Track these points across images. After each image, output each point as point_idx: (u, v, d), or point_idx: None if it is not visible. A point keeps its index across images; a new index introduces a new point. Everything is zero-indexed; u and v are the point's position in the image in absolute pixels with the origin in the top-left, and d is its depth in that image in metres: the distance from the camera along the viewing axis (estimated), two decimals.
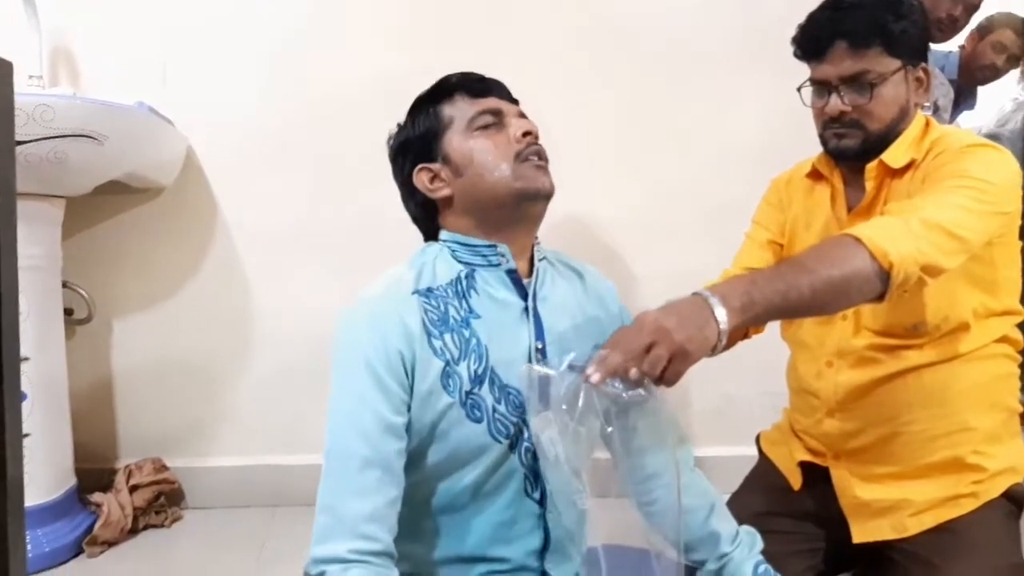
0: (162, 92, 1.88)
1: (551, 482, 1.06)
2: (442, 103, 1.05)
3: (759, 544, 1.18)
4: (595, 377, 0.86)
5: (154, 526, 1.86)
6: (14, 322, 0.59)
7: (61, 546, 1.67)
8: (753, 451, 1.53)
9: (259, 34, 1.94)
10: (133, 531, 1.81)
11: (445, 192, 1.05)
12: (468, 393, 0.99)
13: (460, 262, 1.05)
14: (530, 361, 1.02)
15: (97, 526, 1.73)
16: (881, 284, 0.98)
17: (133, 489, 1.84)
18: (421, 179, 1.06)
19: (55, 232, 1.72)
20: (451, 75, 1.08)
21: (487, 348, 1.00)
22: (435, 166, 1.05)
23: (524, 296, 1.05)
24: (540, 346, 1.02)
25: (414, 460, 0.99)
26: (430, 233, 1.10)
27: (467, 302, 1.02)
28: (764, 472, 1.47)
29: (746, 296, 0.91)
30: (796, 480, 1.39)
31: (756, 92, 2.01)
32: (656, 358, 0.85)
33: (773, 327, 1.44)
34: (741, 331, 1.12)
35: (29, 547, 1.62)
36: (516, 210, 1.03)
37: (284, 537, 1.81)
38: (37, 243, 1.66)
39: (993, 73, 2.13)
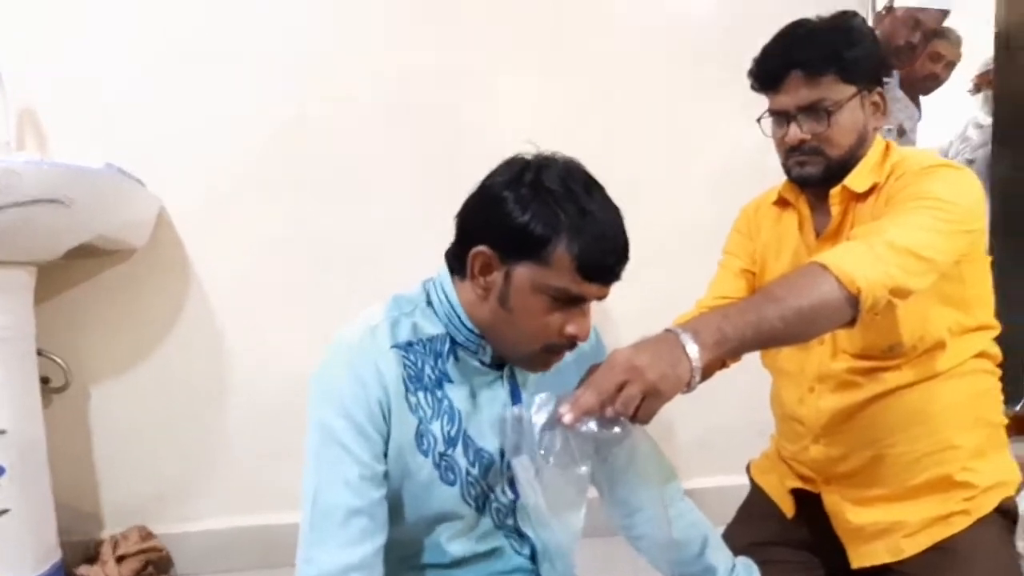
0: (131, 152, 1.86)
1: (536, 525, 1.05)
2: (559, 243, 0.91)
3: (756, 575, 1.17)
4: (567, 417, 0.85)
5: None
6: None
7: None
8: (744, 480, 1.52)
9: (226, 85, 1.95)
10: None
11: (479, 290, 0.97)
12: (442, 455, 0.98)
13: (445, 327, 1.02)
14: (501, 427, 1.01)
15: None
16: (851, 309, 0.98)
17: (120, 560, 1.81)
18: (475, 258, 0.96)
19: (27, 300, 1.69)
20: (594, 232, 0.92)
21: (459, 411, 1.00)
22: (497, 267, 0.95)
23: (501, 367, 1.04)
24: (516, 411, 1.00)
25: (390, 517, 0.97)
26: (449, 265, 1.03)
27: (443, 364, 1.00)
28: (757, 501, 1.46)
29: (718, 332, 0.91)
30: (789, 508, 1.39)
31: (725, 119, 2.04)
32: (628, 397, 0.85)
33: (753, 354, 1.45)
34: (717, 363, 1.12)
35: None
36: (510, 361, 1.03)
37: None
38: (8, 312, 1.63)
39: (935, 82, 2.20)
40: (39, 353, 1.75)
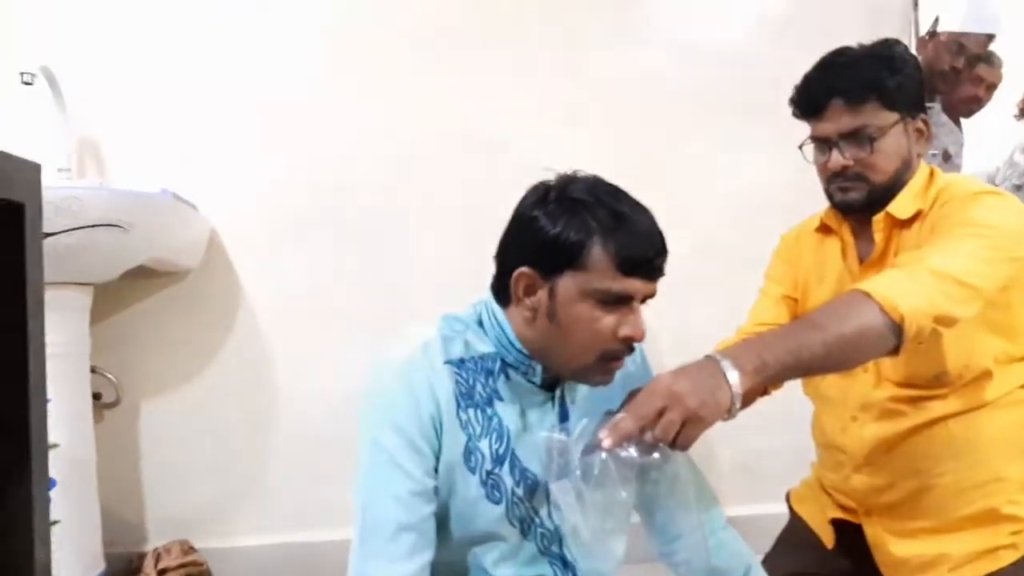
0: (185, 176, 1.94)
1: (575, 550, 1.05)
2: (594, 244, 0.93)
3: None
4: (607, 443, 0.86)
5: None
6: (42, 412, 0.61)
7: None
8: (784, 508, 1.50)
9: (277, 113, 2.02)
10: None
11: (527, 313, 0.98)
12: (489, 473, 0.99)
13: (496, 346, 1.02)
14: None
15: None
16: (895, 337, 0.97)
17: (161, 573, 1.83)
18: (518, 281, 0.97)
19: (83, 319, 1.76)
20: (628, 228, 0.94)
21: (508, 430, 1.00)
22: (540, 285, 0.96)
23: (552, 388, 1.04)
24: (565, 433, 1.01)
25: (437, 536, 0.98)
26: (496, 297, 1.04)
27: (494, 382, 1.01)
28: (796, 531, 1.44)
29: (759, 359, 0.90)
30: (829, 538, 1.36)
31: (759, 145, 2.05)
32: (669, 423, 0.85)
33: (795, 381, 1.44)
34: (759, 389, 1.11)
35: None
36: (576, 379, 1.03)
37: None
38: (65, 330, 1.69)
39: (977, 104, 2.16)
40: (92, 370, 1.81)
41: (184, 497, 1.99)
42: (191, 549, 1.92)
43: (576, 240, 0.92)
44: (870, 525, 1.28)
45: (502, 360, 1.01)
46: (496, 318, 1.01)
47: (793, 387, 1.43)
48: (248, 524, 1.99)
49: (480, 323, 1.03)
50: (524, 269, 0.96)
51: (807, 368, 0.98)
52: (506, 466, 1.00)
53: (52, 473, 1.60)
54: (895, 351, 0.99)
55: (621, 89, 2.13)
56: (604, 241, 0.92)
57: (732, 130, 2.14)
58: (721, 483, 2.04)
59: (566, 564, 1.04)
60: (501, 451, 0.99)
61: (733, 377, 0.87)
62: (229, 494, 2.01)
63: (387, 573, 0.91)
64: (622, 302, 0.94)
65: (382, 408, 0.97)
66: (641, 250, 0.94)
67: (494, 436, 0.99)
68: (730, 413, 0.88)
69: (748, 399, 0.90)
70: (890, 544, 1.25)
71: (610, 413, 0.92)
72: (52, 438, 1.59)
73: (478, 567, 1.01)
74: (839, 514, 1.35)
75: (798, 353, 0.93)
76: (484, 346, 1.02)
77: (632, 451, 0.87)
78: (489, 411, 1.00)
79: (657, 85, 2.14)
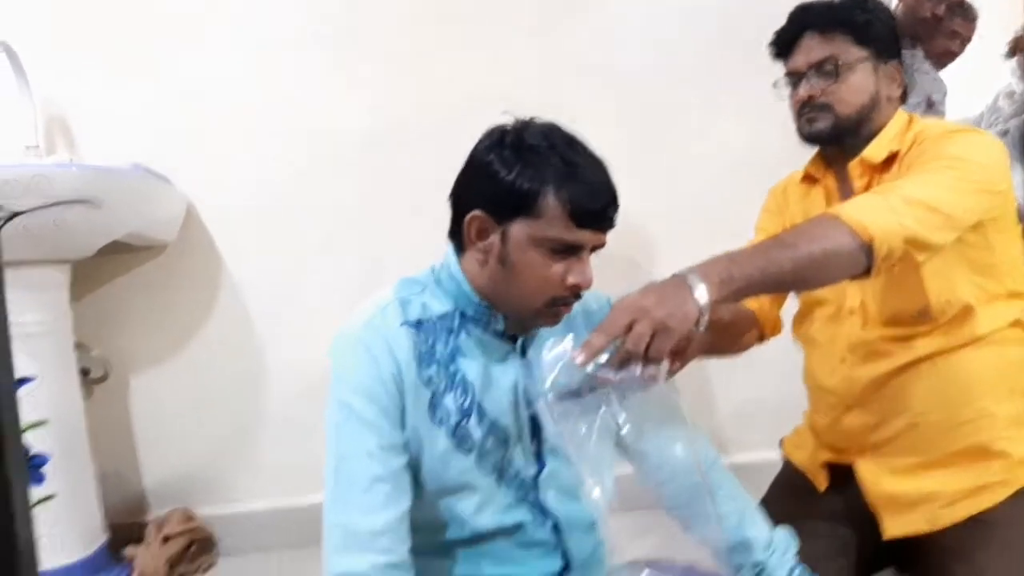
0: (158, 151, 1.89)
1: (553, 495, 1.05)
2: (547, 193, 0.94)
3: (795, 546, 1.16)
4: (580, 359, 0.87)
5: (189, 575, 1.86)
6: (10, 387, 0.59)
7: None
8: (778, 455, 1.50)
9: (250, 84, 1.96)
10: None
11: (479, 255, 1.00)
12: (457, 425, 1.00)
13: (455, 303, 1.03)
14: (515, 397, 1.02)
15: None
16: (866, 258, 0.99)
17: (164, 540, 1.85)
18: (471, 224, 0.99)
19: (62, 296, 1.74)
20: (581, 179, 0.95)
21: (473, 385, 1.01)
22: (492, 229, 0.98)
23: (514, 339, 1.05)
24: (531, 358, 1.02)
25: (412, 493, 0.99)
26: (453, 243, 1.06)
27: (455, 339, 1.02)
28: (789, 476, 1.45)
29: (725, 272, 0.92)
30: (821, 481, 1.37)
31: (742, 104, 2.00)
32: (638, 335, 0.86)
33: (786, 331, 1.44)
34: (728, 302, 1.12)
35: None
36: (523, 322, 1.04)
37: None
38: (44, 308, 1.67)
39: (950, 58, 2.12)
40: (78, 346, 1.80)
41: (181, 466, 2.00)
42: (191, 517, 1.93)
43: (529, 188, 0.94)
44: (863, 464, 1.29)
45: (461, 315, 1.02)
46: (452, 270, 1.03)
47: (786, 336, 1.44)
48: (246, 489, 2.00)
49: (438, 282, 1.04)
50: (477, 212, 0.98)
51: (774, 284, 1.00)
52: (473, 418, 1.01)
53: (44, 448, 1.64)
54: (866, 273, 1.01)
55: (622, 47, 2.07)
56: (557, 191, 0.94)
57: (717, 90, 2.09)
58: (716, 431, 2.05)
59: (545, 511, 1.05)
60: (466, 405, 1.01)
61: (699, 289, 0.89)
62: (225, 461, 2.01)
63: (365, 523, 0.92)
64: (572, 251, 0.96)
65: (345, 371, 0.98)
66: (594, 202, 0.95)
67: (459, 391, 1.01)
68: (698, 324, 0.89)
69: (730, 332, 0.92)
70: (883, 482, 1.26)
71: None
72: (40, 415, 1.61)
73: (456, 520, 1.02)
74: (831, 457, 1.35)
75: (765, 269, 0.95)
76: (442, 305, 1.03)
77: (608, 369, 0.88)
78: (452, 367, 1.01)
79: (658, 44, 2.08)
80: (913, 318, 1.19)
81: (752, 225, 1.47)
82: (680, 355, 0.96)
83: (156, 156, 1.86)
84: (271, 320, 2.00)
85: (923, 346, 1.19)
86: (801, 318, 1.38)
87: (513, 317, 1.02)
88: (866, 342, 1.24)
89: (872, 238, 0.98)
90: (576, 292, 0.98)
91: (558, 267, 0.96)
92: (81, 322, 1.82)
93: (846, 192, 1.28)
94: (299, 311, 1.97)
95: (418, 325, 1.01)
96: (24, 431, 1.60)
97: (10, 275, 0.51)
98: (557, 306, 0.99)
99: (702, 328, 0.90)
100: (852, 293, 1.26)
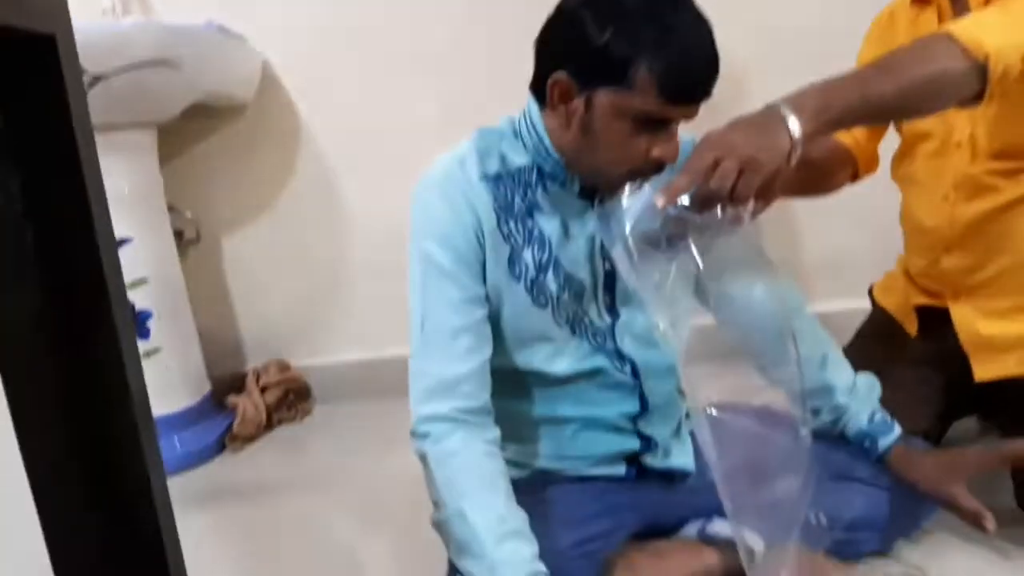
0: (230, 7, 1.87)
1: (631, 342, 1.05)
2: (640, 64, 0.85)
3: (877, 391, 1.15)
4: (660, 201, 0.84)
5: (287, 421, 1.99)
6: (111, 246, 0.61)
7: (206, 445, 1.83)
8: (867, 304, 1.47)
9: None
10: (268, 427, 1.94)
11: (561, 117, 0.94)
12: (534, 281, 1.00)
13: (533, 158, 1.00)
14: (592, 250, 1.01)
15: (235, 425, 1.87)
16: (978, 80, 0.90)
17: (263, 389, 1.97)
18: (554, 87, 0.92)
19: (152, 159, 1.78)
20: (680, 50, 0.86)
21: (550, 240, 1.00)
22: (576, 94, 0.91)
23: (592, 197, 1.01)
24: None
25: (493, 343, 1.01)
26: (534, 95, 0.99)
27: (532, 194, 1.00)
28: (877, 323, 1.42)
29: (822, 101, 0.85)
30: (912, 326, 1.34)
31: None
32: (724, 173, 0.81)
33: (884, 170, 1.36)
34: (836, 164, 1.07)
35: (178, 447, 1.78)
36: (601, 187, 0.99)
37: (408, 424, 1.89)
38: (134, 172, 1.72)
39: None
40: (170, 209, 1.87)
41: (274, 320, 2.10)
42: (288, 367, 2.04)
43: (621, 56, 0.86)
44: (957, 307, 1.25)
45: (539, 171, 1.00)
46: (533, 123, 0.98)
47: (881, 179, 1.37)
48: (337, 342, 2.09)
49: (516, 134, 1.01)
50: (561, 76, 0.91)
51: (875, 113, 0.93)
52: (550, 273, 1.00)
53: (147, 305, 1.73)
54: (978, 98, 0.92)
55: None
56: (651, 62, 0.85)
57: None
58: (804, 280, 2.01)
59: (622, 357, 1.06)
60: (544, 260, 1.00)
61: (792, 121, 0.83)
62: (315, 314, 2.10)
63: (448, 370, 0.96)
64: (660, 125, 0.90)
65: (427, 222, 0.98)
66: (690, 76, 0.87)
67: (536, 246, 1.00)
68: (790, 159, 0.84)
69: (824, 167, 0.86)
70: (978, 324, 1.22)
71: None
72: (140, 274, 1.69)
73: (534, 365, 1.04)
74: (924, 300, 1.31)
75: (866, 96, 0.87)
76: (520, 158, 1.00)
77: (690, 211, 0.84)
78: (529, 222, 0.99)
79: None
80: None
81: (855, 57, 1.35)
82: (766, 194, 0.90)
83: (228, 15, 1.84)
84: (352, 173, 2.01)
85: None
86: (902, 156, 1.30)
87: (591, 181, 0.99)
88: (972, 177, 1.17)
89: (987, 55, 0.88)
90: (659, 166, 0.93)
91: (642, 140, 0.90)
92: (171, 186, 1.87)
93: (961, 11, 1.16)
94: (379, 162, 1.97)
95: (497, 179, 0.99)
96: (127, 289, 1.69)
97: (100, 140, 0.52)
98: (636, 176, 0.93)
99: (793, 163, 0.85)
100: (960, 125, 1.17)
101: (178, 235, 1.94)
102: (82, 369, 0.60)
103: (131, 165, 1.72)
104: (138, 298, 1.72)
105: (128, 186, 1.69)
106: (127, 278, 1.80)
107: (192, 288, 1.91)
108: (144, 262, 1.72)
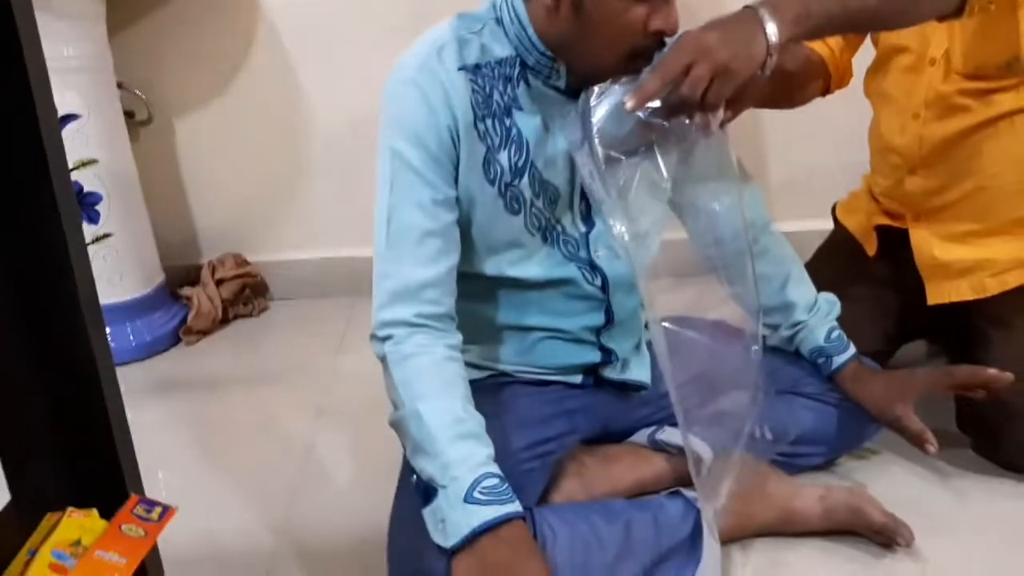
0: None
1: (602, 254, 1.04)
2: None
3: (836, 310, 1.17)
4: (630, 103, 0.82)
5: (243, 316, 1.96)
6: (52, 117, 0.57)
7: (161, 335, 1.80)
8: (831, 224, 1.48)
9: None
10: (224, 321, 1.92)
11: (549, 2, 0.89)
12: (508, 185, 0.97)
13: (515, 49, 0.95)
14: (571, 158, 0.97)
15: (190, 317, 1.84)
16: None
17: (219, 283, 1.93)
18: None
19: (99, 28, 1.67)
20: None
21: (528, 141, 0.97)
22: None
23: (576, 94, 0.96)
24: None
25: (461, 246, 0.99)
26: None
27: (512, 89, 0.96)
28: (838, 241, 1.44)
29: (801, 7, 0.83)
30: (871, 245, 1.35)
31: None
32: (696, 79, 0.80)
33: (856, 84, 1.35)
34: (809, 74, 1.09)
35: (131, 337, 1.75)
36: (594, 79, 0.93)
37: (365, 323, 1.89)
38: (81, 41, 1.61)
39: None
40: (120, 86, 1.77)
41: (231, 212, 2.03)
42: (244, 262, 2.00)
43: None
44: (916, 230, 1.26)
45: (522, 64, 0.95)
46: (516, 12, 0.93)
47: (851, 95, 1.34)
48: (294, 238, 2.04)
49: (498, 21, 0.95)
50: None
51: (856, 21, 0.92)
52: (525, 179, 0.98)
53: (96, 188, 1.67)
54: (958, 12, 0.92)
55: None
56: None
57: None
58: (769, 199, 2.00)
59: (594, 268, 1.05)
60: (520, 163, 0.97)
61: (770, 27, 0.81)
62: (273, 209, 2.04)
63: (414, 274, 0.93)
64: None
65: (400, 120, 0.94)
66: None
67: (513, 148, 0.96)
68: (765, 67, 0.83)
69: (798, 79, 0.85)
70: (935, 248, 1.24)
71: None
72: (89, 154, 1.62)
73: (503, 271, 1.03)
74: (885, 220, 1.33)
75: (847, 4, 0.86)
76: (502, 49, 0.95)
77: (660, 115, 0.82)
78: (508, 121, 0.96)
79: None
80: (999, 70, 1.11)
81: None
82: (737, 103, 0.89)
83: None
84: (317, 56, 1.89)
85: (1006, 102, 1.12)
86: (876, 69, 1.29)
87: (583, 72, 0.94)
88: (944, 96, 1.16)
89: None
90: (660, 39, 0.88)
91: (640, 10, 0.86)
92: (120, 61, 1.77)
93: None
94: (347, 48, 1.86)
95: (476, 69, 0.94)
96: (75, 169, 1.62)
97: (41, 5, 0.48)
98: (637, 59, 0.89)
99: (768, 72, 0.83)
100: (938, 40, 1.15)
101: (129, 115, 1.84)
102: (24, 248, 0.58)
103: (77, 32, 1.60)
104: (87, 179, 1.65)
105: (75, 56, 1.59)
106: (75, 157, 1.72)
107: (144, 173, 1.82)
108: (94, 141, 1.64)
